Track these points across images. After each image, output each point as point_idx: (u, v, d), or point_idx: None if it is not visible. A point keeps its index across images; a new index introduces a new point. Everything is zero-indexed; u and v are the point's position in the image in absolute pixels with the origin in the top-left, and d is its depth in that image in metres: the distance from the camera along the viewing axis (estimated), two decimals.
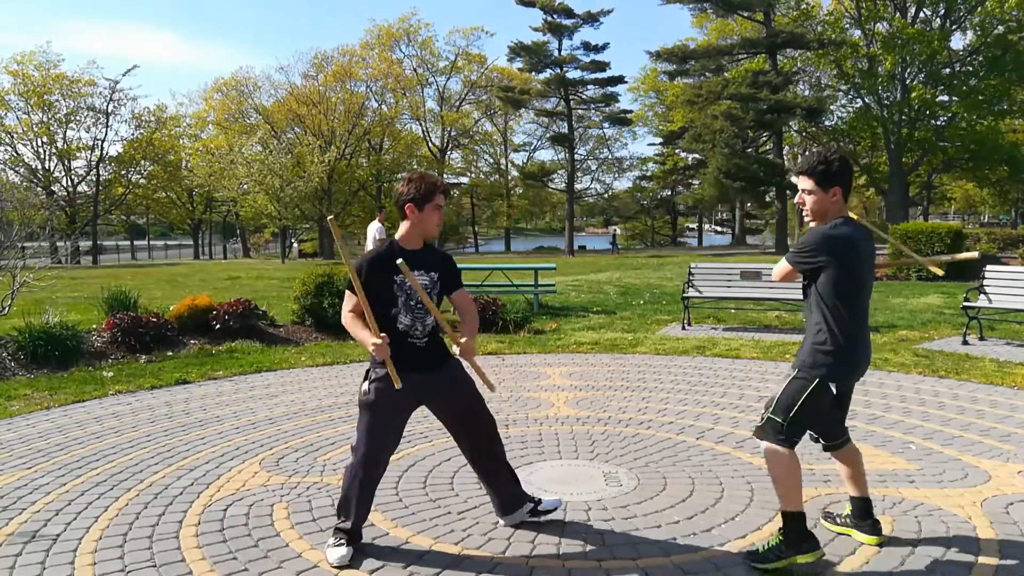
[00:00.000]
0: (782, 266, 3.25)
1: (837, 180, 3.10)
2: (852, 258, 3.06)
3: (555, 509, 3.65)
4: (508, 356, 8.24)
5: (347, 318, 3.33)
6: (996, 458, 4.55)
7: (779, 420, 3.14)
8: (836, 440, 3.40)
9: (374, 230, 13.47)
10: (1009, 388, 6.42)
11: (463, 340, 3.27)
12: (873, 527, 3.38)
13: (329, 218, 3.50)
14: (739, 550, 3.33)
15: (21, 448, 4.99)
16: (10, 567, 3.26)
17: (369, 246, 13.29)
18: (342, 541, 3.30)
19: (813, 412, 3.16)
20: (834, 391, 3.12)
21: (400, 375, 3.17)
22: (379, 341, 3.14)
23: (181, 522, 3.71)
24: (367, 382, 3.33)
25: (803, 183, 3.16)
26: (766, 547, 3.18)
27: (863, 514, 3.40)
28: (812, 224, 3.21)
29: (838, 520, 3.52)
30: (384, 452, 3.35)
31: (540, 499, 3.66)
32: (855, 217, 3.20)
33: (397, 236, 3.36)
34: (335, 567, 3.21)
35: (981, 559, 3.23)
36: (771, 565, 3.12)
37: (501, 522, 3.64)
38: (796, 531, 3.12)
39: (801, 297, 10.26)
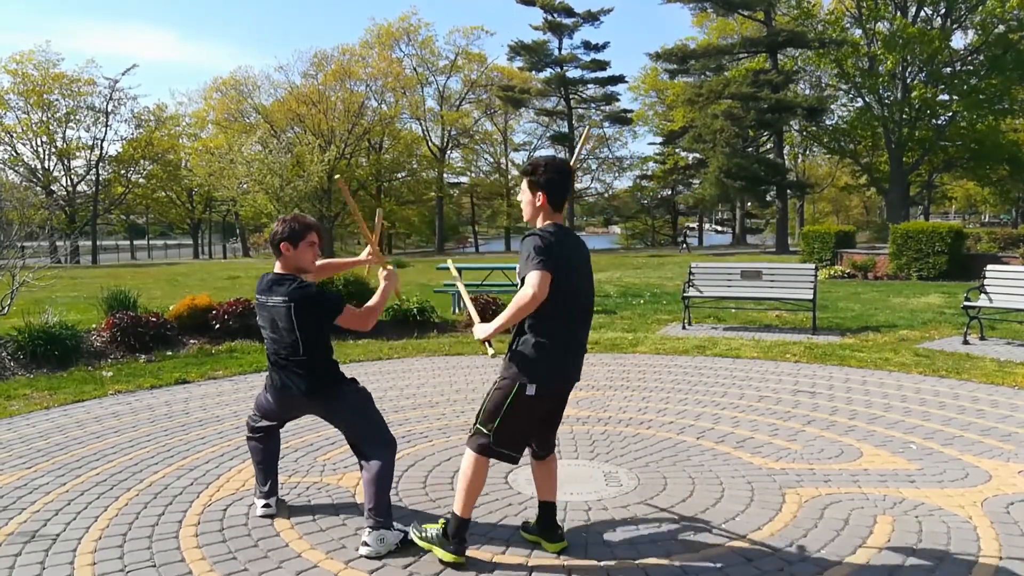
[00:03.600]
0: (542, 277, 2.93)
1: (541, 186, 3.14)
2: (563, 263, 3.04)
3: None
4: None
5: (367, 311, 3.61)
6: (997, 458, 4.55)
7: (485, 430, 3.14)
8: (547, 450, 3.36)
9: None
10: (1010, 388, 6.41)
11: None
12: (556, 534, 3.37)
13: (337, 177, 3.88)
14: (739, 550, 3.33)
15: (21, 448, 4.98)
16: (10, 567, 3.26)
17: None
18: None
19: (522, 419, 3.12)
20: (533, 393, 3.07)
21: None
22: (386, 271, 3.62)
23: (181, 522, 3.70)
24: (358, 386, 3.65)
25: (522, 183, 3.27)
26: (427, 531, 3.31)
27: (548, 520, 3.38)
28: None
29: (531, 529, 3.45)
30: None
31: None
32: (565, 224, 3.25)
33: (275, 270, 3.61)
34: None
35: (982, 559, 3.22)
36: (420, 543, 3.30)
37: (263, 506, 3.82)
38: (457, 532, 3.21)
39: (800, 296, 10.10)
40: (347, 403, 3.56)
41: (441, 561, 3.19)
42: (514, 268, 13.20)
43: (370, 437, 3.49)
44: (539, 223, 3.19)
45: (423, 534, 3.32)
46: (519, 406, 3.09)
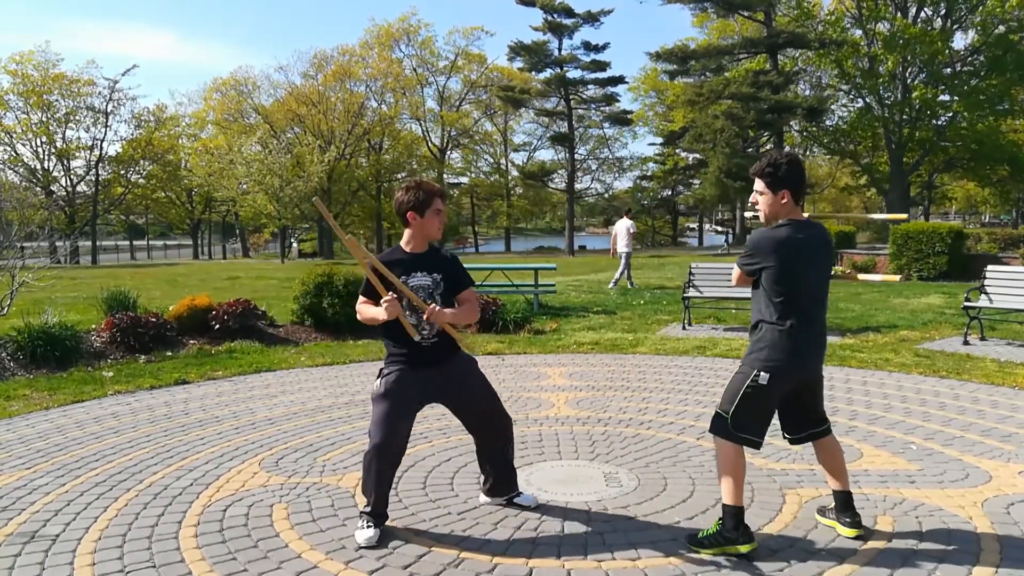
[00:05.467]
0: (735, 272, 3.41)
1: (785, 183, 3.23)
2: (788, 256, 3.17)
3: (530, 506, 3.81)
4: (508, 356, 8.23)
5: (360, 308, 3.52)
6: (997, 458, 4.54)
7: (723, 414, 3.27)
8: (799, 435, 3.48)
9: (625, 225, 15.06)
10: (1010, 388, 6.41)
11: (433, 307, 3.40)
12: (852, 519, 3.43)
13: (315, 199, 3.74)
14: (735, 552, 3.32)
15: (20, 448, 4.98)
16: (9, 567, 3.25)
17: (621, 241, 15.05)
18: (369, 524, 3.46)
19: (757, 406, 3.25)
20: (766, 383, 3.20)
21: (410, 372, 3.48)
22: (389, 298, 3.31)
23: (180, 522, 3.70)
24: (379, 379, 3.54)
25: (756, 185, 3.32)
26: (705, 534, 3.30)
27: (843, 507, 3.46)
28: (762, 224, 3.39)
29: (828, 515, 3.57)
30: (396, 440, 3.47)
31: (520, 492, 3.89)
32: (808, 216, 3.41)
33: (402, 242, 3.55)
34: (364, 547, 3.37)
35: (982, 559, 3.22)
36: (707, 551, 3.25)
37: (481, 498, 3.90)
38: (734, 523, 3.26)
39: None
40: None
41: (740, 555, 3.21)
42: (514, 268, 13.22)
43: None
44: (779, 219, 3.26)
45: (705, 547, 3.26)
46: (757, 395, 3.21)
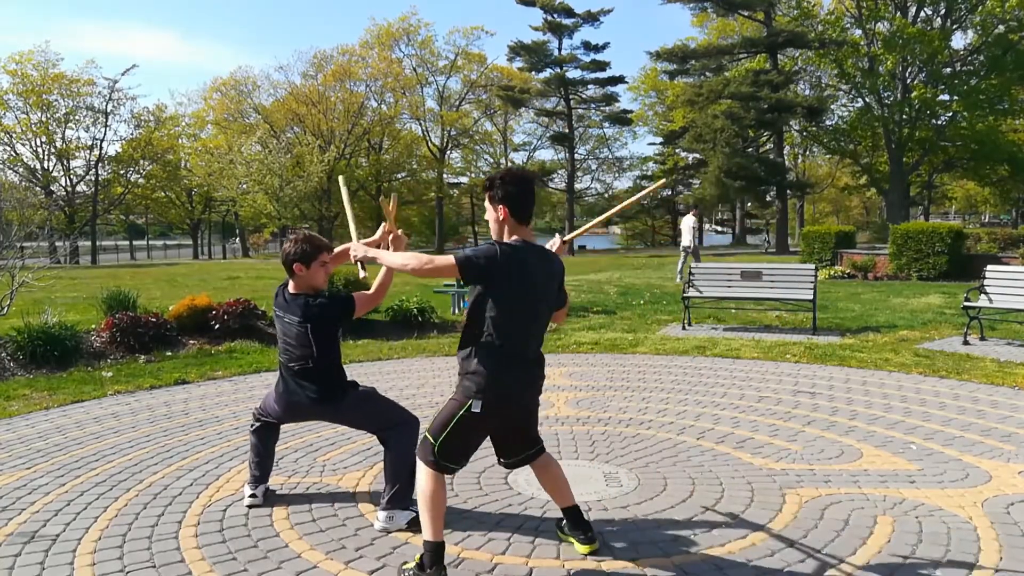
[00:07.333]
0: (445, 260, 3.01)
1: (504, 200, 3.06)
2: (517, 279, 2.97)
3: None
4: None
5: (375, 291, 3.76)
6: (997, 458, 4.54)
7: (432, 440, 3.07)
8: (513, 459, 3.33)
9: (690, 222, 16.14)
10: (1010, 388, 6.41)
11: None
12: (585, 535, 3.29)
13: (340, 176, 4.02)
14: (740, 550, 3.33)
15: (20, 448, 4.98)
16: (9, 567, 3.25)
17: (686, 236, 16.19)
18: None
19: (468, 436, 3.06)
20: (479, 411, 2.97)
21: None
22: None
23: (180, 522, 3.70)
24: (358, 388, 3.80)
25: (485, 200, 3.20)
26: (407, 568, 3.07)
27: (575, 523, 3.32)
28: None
29: (565, 529, 3.41)
30: None
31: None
32: (533, 241, 3.13)
33: (290, 287, 3.73)
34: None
35: (982, 560, 3.22)
36: None
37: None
38: (432, 559, 3.00)
39: (800, 297, 10.11)
40: (354, 406, 3.73)
41: None
42: None
43: (387, 425, 3.71)
44: (505, 239, 3.09)
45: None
46: (467, 424, 3.02)
